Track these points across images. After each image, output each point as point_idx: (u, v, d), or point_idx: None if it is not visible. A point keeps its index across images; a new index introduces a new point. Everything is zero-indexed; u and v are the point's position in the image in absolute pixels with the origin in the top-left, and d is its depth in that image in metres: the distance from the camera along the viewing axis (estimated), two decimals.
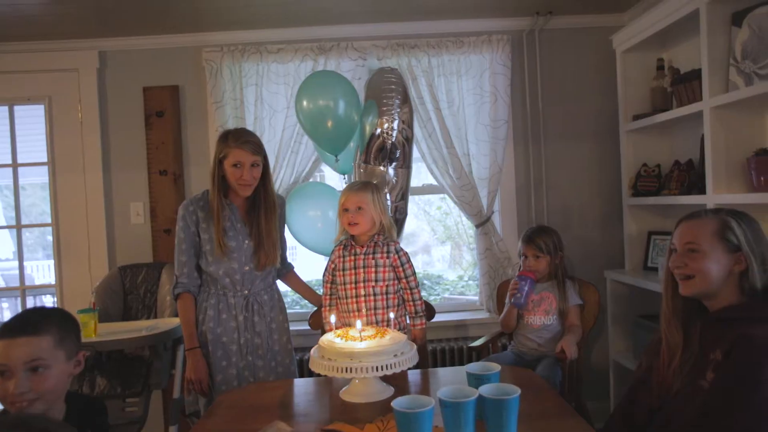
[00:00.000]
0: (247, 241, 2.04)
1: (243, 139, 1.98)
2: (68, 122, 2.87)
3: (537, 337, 2.30)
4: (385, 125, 2.39)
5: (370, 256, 1.98)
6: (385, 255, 1.99)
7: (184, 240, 2.03)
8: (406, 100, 2.48)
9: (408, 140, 2.47)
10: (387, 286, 1.98)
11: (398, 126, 2.41)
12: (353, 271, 1.98)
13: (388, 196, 2.42)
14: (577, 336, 2.20)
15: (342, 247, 2.03)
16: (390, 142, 2.39)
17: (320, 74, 2.55)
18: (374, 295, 1.97)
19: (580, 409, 2.19)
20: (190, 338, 2.01)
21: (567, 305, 2.28)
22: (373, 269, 1.97)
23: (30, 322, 1.22)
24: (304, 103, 2.35)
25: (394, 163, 2.42)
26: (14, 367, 1.16)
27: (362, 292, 1.96)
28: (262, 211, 2.05)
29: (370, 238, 2.00)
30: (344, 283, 1.99)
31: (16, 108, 2.94)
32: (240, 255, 2.02)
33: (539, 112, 2.95)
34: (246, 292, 2.05)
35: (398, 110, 2.41)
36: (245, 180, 1.98)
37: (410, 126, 2.48)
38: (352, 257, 1.99)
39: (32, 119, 2.98)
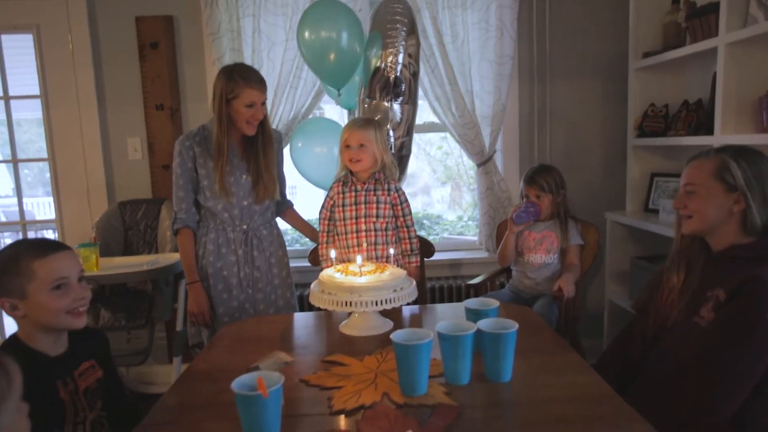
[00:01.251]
0: (245, 176, 2.03)
1: (254, 78, 1.95)
2: (59, 53, 2.77)
3: (536, 275, 2.32)
4: (389, 58, 2.29)
5: (371, 192, 1.98)
6: (385, 192, 1.99)
7: (181, 176, 2.02)
8: (412, 31, 2.36)
9: (414, 75, 2.38)
10: (387, 222, 2.00)
11: (403, 59, 2.31)
12: (354, 207, 1.98)
13: (391, 133, 2.37)
14: (575, 275, 2.22)
15: (341, 183, 2.02)
16: (393, 75, 2.30)
17: (323, 3, 2.43)
18: (375, 230, 1.98)
19: (575, 346, 2.23)
20: (191, 272, 2.04)
21: (568, 244, 2.29)
22: (374, 205, 1.97)
23: (56, 241, 1.29)
24: (306, 34, 2.26)
25: (400, 98, 2.34)
26: (73, 277, 1.23)
27: (363, 227, 1.97)
28: (260, 145, 2.04)
29: (371, 175, 1.98)
30: (344, 219, 1.99)
31: (4, 37, 2.84)
32: (238, 190, 2.01)
33: (546, 49, 2.85)
34: (245, 227, 2.06)
35: (403, 43, 2.30)
36: (257, 118, 1.98)
37: (416, 60, 2.39)
38: (353, 193, 1.99)
39: (22, 50, 2.88)
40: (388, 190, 2.00)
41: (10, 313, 1.19)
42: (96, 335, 1.40)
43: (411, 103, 2.39)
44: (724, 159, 1.31)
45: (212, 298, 2.05)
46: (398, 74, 2.31)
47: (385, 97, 2.32)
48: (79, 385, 1.26)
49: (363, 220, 1.98)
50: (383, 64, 2.30)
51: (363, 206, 1.98)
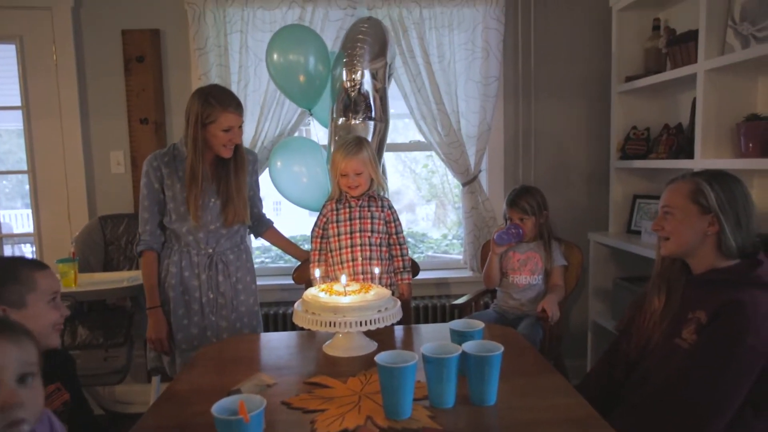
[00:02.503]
0: (213, 199, 1.98)
1: (233, 102, 1.92)
2: (42, 65, 2.73)
3: (521, 296, 2.31)
4: (353, 76, 2.26)
5: (366, 208, 2.01)
6: (379, 209, 2.02)
7: (147, 197, 1.96)
8: (381, 53, 2.33)
9: (378, 92, 2.33)
10: (380, 238, 2.02)
11: (364, 78, 2.27)
12: (348, 222, 1.99)
13: None
14: (559, 296, 2.22)
15: (335, 201, 2.03)
16: (353, 94, 2.26)
17: (289, 28, 2.44)
18: (369, 245, 1.99)
19: (559, 366, 2.24)
20: (151, 296, 1.98)
21: (551, 266, 2.29)
22: (368, 220, 1.99)
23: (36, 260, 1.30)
24: (275, 56, 2.31)
25: (364, 117, 2.30)
26: (60, 293, 1.27)
27: (358, 241, 1.98)
28: (232, 167, 1.99)
29: (364, 192, 2.01)
30: (338, 234, 2.00)
31: None
32: (205, 213, 1.96)
33: (531, 71, 2.90)
34: (210, 250, 2.00)
35: (367, 62, 2.27)
36: (234, 142, 1.94)
37: (382, 79, 2.34)
38: (347, 209, 2.01)
39: (4, 60, 2.84)
40: (382, 207, 2.03)
41: None
42: (61, 356, 1.36)
43: (381, 121, 2.35)
44: (699, 182, 1.35)
45: (171, 323, 1.98)
46: (361, 93, 2.27)
47: (351, 115, 2.29)
48: None
49: (358, 234, 1.98)
50: (347, 83, 2.27)
51: (357, 221, 1.99)
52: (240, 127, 1.95)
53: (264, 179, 2.47)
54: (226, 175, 1.98)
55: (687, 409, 1.22)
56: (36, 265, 1.23)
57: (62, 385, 1.28)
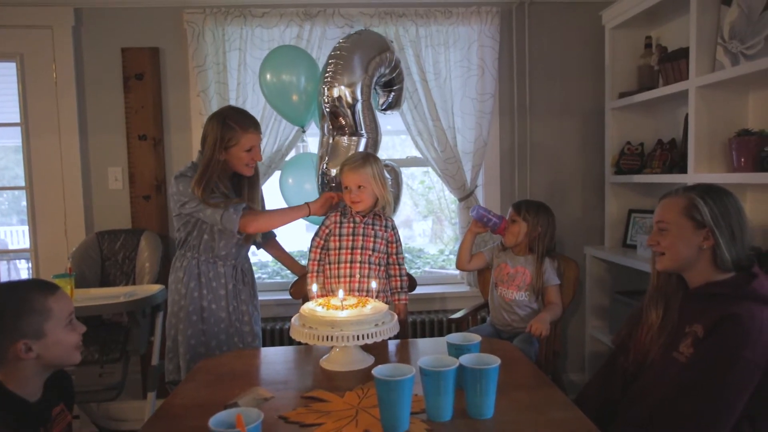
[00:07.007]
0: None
1: (252, 122, 1.99)
2: (42, 82, 2.76)
3: (510, 312, 2.26)
4: (331, 93, 2.22)
5: (370, 226, 2.01)
6: (383, 228, 2.02)
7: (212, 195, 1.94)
8: (362, 66, 2.25)
9: (361, 106, 2.28)
10: (380, 258, 2.02)
11: (347, 93, 2.22)
12: (351, 238, 2.00)
13: None
14: (553, 314, 2.15)
15: (339, 213, 2.04)
16: (327, 109, 2.24)
17: (281, 50, 2.49)
18: (369, 263, 1.99)
19: (556, 381, 2.23)
20: (296, 208, 2.08)
21: (544, 285, 2.23)
22: (371, 239, 2.00)
23: (48, 281, 1.28)
24: (268, 77, 2.35)
25: (356, 130, 2.28)
26: (73, 313, 1.24)
27: (358, 258, 1.98)
28: (246, 182, 2.07)
29: (371, 209, 2.02)
30: (339, 248, 2.00)
31: None
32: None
33: (526, 87, 2.93)
34: (233, 261, 2.08)
35: (346, 77, 2.21)
36: (256, 160, 2.02)
37: (366, 93, 2.27)
38: (351, 224, 2.01)
39: (4, 78, 2.87)
40: (386, 227, 2.03)
41: (22, 356, 1.14)
42: (62, 377, 1.34)
43: (366, 136, 2.30)
44: (692, 197, 1.36)
45: (205, 332, 2.03)
46: (342, 108, 2.23)
47: (333, 132, 2.28)
48: None
49: (359, 251, 1.99)
50: (326, 100, 2.24)
51: (360, 238, 1.99)
52: (259, 144, 2.03)
53: (271, 194, 2.51)
54: (240, 190, 2.07)
55: (685, 423, 1.22)
56: (48, 288, 1.20)
57: (65, 407, 1.27)
